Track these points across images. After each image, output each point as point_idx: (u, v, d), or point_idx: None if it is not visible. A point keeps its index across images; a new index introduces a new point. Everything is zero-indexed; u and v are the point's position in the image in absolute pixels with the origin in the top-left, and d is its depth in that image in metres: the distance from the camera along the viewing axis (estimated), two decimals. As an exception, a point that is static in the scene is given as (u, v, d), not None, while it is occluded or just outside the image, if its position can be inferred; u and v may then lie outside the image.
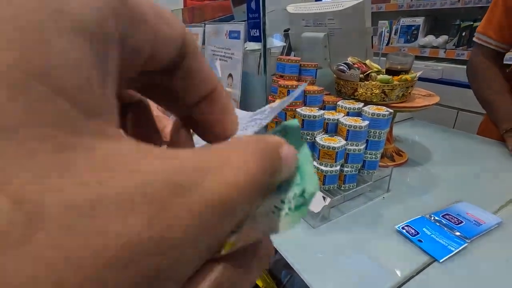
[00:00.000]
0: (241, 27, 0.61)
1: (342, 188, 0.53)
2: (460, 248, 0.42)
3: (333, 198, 0.49)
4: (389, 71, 0.60)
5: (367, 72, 0.58)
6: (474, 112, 1.60)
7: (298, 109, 0.52)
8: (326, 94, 0.64)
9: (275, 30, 1.05)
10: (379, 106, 0.53)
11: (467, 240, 0.43)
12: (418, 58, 1.87)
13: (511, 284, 0.38)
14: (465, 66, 1.54)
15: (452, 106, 1.61)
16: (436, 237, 0.44)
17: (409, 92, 0.58)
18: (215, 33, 0.73)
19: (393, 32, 1.99)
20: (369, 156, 0.53)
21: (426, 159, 0.70)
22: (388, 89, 0.55)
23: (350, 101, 0.57)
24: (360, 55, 0.79)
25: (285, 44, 0.88)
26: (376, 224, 0.49)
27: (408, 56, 0.59)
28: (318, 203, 0.48)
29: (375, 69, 0.60)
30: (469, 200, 0.53)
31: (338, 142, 0.49)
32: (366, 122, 0.50)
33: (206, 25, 0.77)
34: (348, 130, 0.50)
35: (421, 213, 0.50)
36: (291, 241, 0.46)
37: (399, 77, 0.56)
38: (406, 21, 1.88)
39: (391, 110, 0.51)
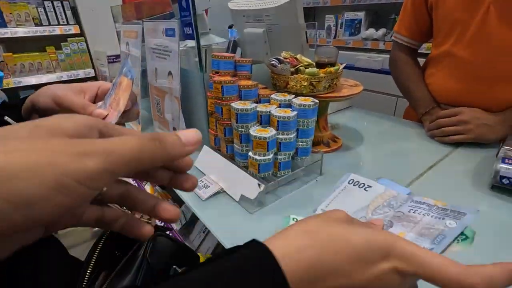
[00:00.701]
0: (175, 25, 0.62)
1: (278, 175, 0.57)
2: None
3: (267, 184, 0.53)
4: (318, 64, 0.65)
5: (297, 66, 0.63)
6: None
7: (232, 104, 0.55)
8: (263, 88, 0.67)
9: (223, 25, 1.06)
10: (307, 97, 0.57)
11: (380, 211, 0.50)
12: (361, 50, 2.00)
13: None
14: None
15: (392, 93, 1.76)
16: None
17: (335, 83, 0.64)
18: (153, 30, 0.73)
19: (338, 25, 2.10)
20: (301, 143, 0.58)
21: (358, 143, 0.78)
22: (315, 81, 0.61)
23: (283, 93, 0.61)
24: (297, 50, 0.84)
25: (227, 39, 0.91)
26: (308, 204, 0.54)
27: (333, 49, 0.65)
28: (253, 189, 0.52)
29: (306, 63, 0.65)
30: (388, 177, 0.60)
31: (269, 132, 0.52)
32: (294, 113, 0.54)
33: (144, 23, 0.77)
34: (278, 120, 0.54)
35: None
36: (229, 228, 0.49)
37: (325, 69, 0.61)
38: (349, 15, 1.99)
39: (317, 101, 0.56)
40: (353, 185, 0.45)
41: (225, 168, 0.60)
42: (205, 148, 0.67)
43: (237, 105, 0.54)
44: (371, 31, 1.92)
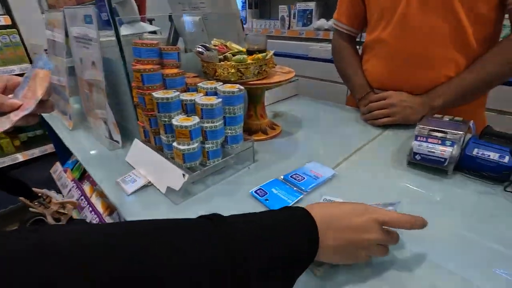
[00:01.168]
0: (91, 11, 0.57)
1: (208, 164, 0.56)
2: (296, 200, 0.49)
3: (191, 174, 0.51)
4: (249, 51, 0.65)
5: (226, 53, 0.62)
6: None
7: (153, 93, 0.53)
8: (194, 77, 0.66)
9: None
10: (233, 84, 0.57)
11: (303, 192, 0.51)
12: (314, 40, 2.04)
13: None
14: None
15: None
16: (281, 194, 0.51)
17: (265, 70, 0.64)
18: (74, 18, 0.67)
19: (291, 16, 2.12)
20: (230, 131, 0.57)
21: (297, 130, 0.79)
22: (243, 68, 0.60)
23: (211, 81, 0.60)
24: (233, 38, 0.83)
25: (156, 28, 0.87)
26: (236, 192, 0.54)
27: (261, 36, 0.65)
28: (178, 180, 0.50)
29: (236, 50, 0.64)
30: (318, 160, 0.62)
31: (192, 121, 0.51)
32: (218, 100, 0.53)
33: (65, 10, 0.71)
34: (201, 108, 0.53)
35: (276, 176, 0.57)
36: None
37: (253, 56, 0.61)
38: (301, 5, 2.02)
39: (242, 87, 0.55)
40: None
41: (154, 160, 0.58)
42: (136, 141, 0.64)
43: (158, 94, 0.52)
44: (322, 21, 1.96)
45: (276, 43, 2.22)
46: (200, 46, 0.60)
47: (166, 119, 0.53)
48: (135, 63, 0.58)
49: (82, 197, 0.98)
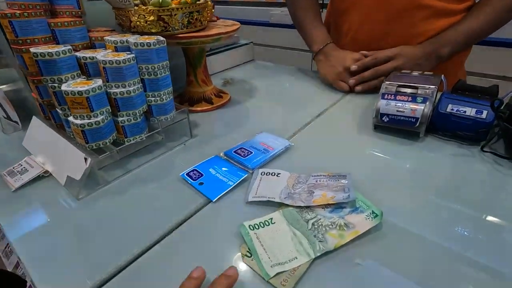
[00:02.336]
0: None
1: (127, 142, 0.43)
2: (239, 180, 0.38)
3: (96, 158, 0.38)
4: (176, -4, 0.50)
5: (142, -4, 0.47)
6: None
7: (32, 49, 0.37)
8: (108, 31, 0.50)
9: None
10: (151, 36, 0.43)
11: (248, 171, 0.41)
12: (275, 4, 1.88)
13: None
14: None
15: (307, 49, 1.71)
16: (220, 175, 0.40)
17: (198, 19, 0.50)
18: None
19: (249, -22, 1.92)
20: (153, 99, 0.44)
21: (249, 97, 0.67)
22: (166, 15, 0.46)
23: (126, 34, 0.45)
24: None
25: None
26: (164, 176, 0.41)
27: (191, -25, 0.50)
28: (79, 166, 0.37)
29: (159, -6, 0.49)
30: (272, 130, 0.51)
31: (90, 85, 0.37)
32: (129, 56, 0.39)
33: None
34: (104, 67, 0.38)
35: (218, 153, 0.45)
36: (39, 225, 0.34)
37: (178, 0, 0.47)
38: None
39: (162, 38, 0.42)
40: (266, 175, 0.39)
41: (53, 143, 0.43)
42: (34, 120, 0.49)
43: (38, 49, 0.37)
44: (283, -17, 1.79)
45: (235, 9, 2.03)
46: (104, -14, 0.45)
47: (56, 85, 0.39)
48: (10, 10, 0.41)
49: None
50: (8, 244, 0.51)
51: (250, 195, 0.36)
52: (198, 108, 0.60)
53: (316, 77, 0.78)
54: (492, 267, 0.27)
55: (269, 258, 0.28)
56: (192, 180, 0.39)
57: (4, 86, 0.56)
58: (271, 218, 0.32)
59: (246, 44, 0.91)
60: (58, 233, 0.33)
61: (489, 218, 0.32)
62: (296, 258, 0.28)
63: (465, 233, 0.31)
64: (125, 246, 0.31)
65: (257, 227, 0.31)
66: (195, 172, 0.40)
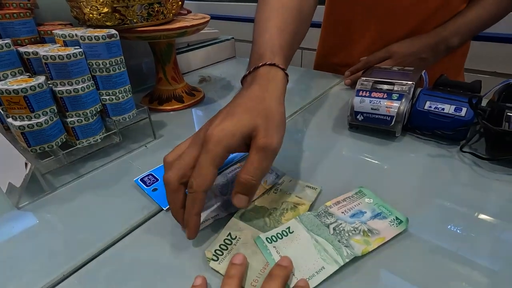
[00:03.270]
0: None
1: (79, 145, 0.40)
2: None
3: (38, 163, 0.35)
4: (137, -13, 0.47)
5: (96, -13, 0.43)
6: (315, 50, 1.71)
7: (-35, 42, 0.34)
8: (63, 24, 0.47)
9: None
10: (101, 29, 0.39)
11: (207, 175, 0.38)
12: None
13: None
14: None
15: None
16: (177, 180, 0.37)
17: (159, 11, 0.46)
18: None
19: (238, -27, 1.88)
20: (107, 97, 0.41)
21: (224, 96, 0.64)
22: (122, 7, 0.42)
23: (78, 28, 0.42)
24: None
25: None
26: (118, 181, 0.38)
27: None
28: (20, 172, 0.34)
29: (118, -15, 0.46)
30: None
31: (29, 82, 0.34)
32: (76, 50, 0.36)
33: None
34: (47, 63, 0.35)
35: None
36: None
37: (137, -10, 0.43)
38: (247, -40, 1.79)
39: (114, 31, 0.38)
40: None
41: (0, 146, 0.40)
42: (-16, 121, 0.45)
43: (-29, 43, 0.34)
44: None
45: (220, 5, 1.99)
46: (53, -25, 0.41)
47: (-9, 82, 0.35)
48: None
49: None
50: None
51: None
52: (168, 107, 0.57)
53: (296, 73, 0.75)
54: (464, 266, 0.24)
55: (293, 275, 0.25)
56: (145, 186, 0.36)
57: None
58: (289, 227, 0.29)
59: (227, 40, 0.88)
60: (-12, 247, 0.30)
61: (464, 222, 0.30)
62: (324, 268, 0.25)
63: (438, 236, 0.28)
64: (57, 261, 0.27)
65: (274, 239, 0.28)
66: (150, 177, 0.37)
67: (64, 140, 0.39)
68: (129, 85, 0.43)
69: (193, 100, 0.59)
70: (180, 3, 0.52)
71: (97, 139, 0.41)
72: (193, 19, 0.53)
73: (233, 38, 0.90)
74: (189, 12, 0.59)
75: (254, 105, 0.30)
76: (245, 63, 0.87)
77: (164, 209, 0.33)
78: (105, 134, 0.42)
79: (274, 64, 0.34)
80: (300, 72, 0.76)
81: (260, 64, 0.34)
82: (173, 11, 0.50)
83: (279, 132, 0.29)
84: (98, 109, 0.40)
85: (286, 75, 0.35)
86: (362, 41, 0.66)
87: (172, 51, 0.56)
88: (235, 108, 0.30)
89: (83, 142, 0.40)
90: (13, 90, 0.32)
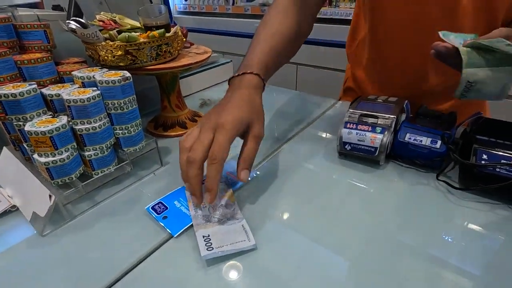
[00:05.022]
0: None
1: (95, 175, 0.44)
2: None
3: (61, 194, 0.39)
4: (146, 28, 0.52)
5: (110, 30, 0.48)
6: (311, 65, 1.77)
7: (-4, 88, 0.38)
8: (77, 62, 0.51)
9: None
10: (118, 71, 0.44)
11: (212, 204, 0.42)
12: (260, 17, 1.91)
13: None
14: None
15: (291, 61, 1.74)
16: (184, 207, 0.41)
17: (167, 51, 0.51)
18: None
19: (234, -10, 1.95)
20: (120, 132, 0.45)
21: (224, 120, 0.69)
22: (134, 49, 0.47)
23: (94, 68, 0.46)
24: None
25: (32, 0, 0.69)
26: (131, 209, 0.42)
27: (161, 7, 0.52)
28: (44, 203, 0.38)
29: (129, 26, 0.51)
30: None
31: (53, 123, 0.38)
32: (95, 93, 0.40)
33: None
34: (69, 106, 0.40)
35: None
36: (4, 264, 0.35)
37: (146, 34, 0.48)
38: (244, -22, 1.86)
39: (128, 75, 0.43)
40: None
41: (21, 176, 0.44)
42: (5, 151, 0.49)
43: (2, 89, 0.38)
44: (267, -4, 1.83)
45: (220, 21, 2.05)
46: (72, 21, 0.46)
47: (21, 123, 0.39)
48: (-25, 47, 0.42)
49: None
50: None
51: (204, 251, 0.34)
52: (172, 133, 0.61)
53: (291, 97, 0.80)
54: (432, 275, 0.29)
55: None
56: (156, 214, 0.40)
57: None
58: None
59: (225, 63, 0.93)
60: (22, 271, 0.34)
61: (431, 249, 0.34)
62: None
63: (411, 258, 0.33)
64: (88, 281, 0.32)
65: None
66: (160, 205, 0.41)
67: (82, 171, 0.43)
68: (140, 119, 0.47)
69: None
70: (184, 39, 0.57)
71: (111, 169, 0.45)
72: (196, 53, 0.58)
73: (231, 61, 0.95)
74: (191, 44, 0.64)
75: (248, 104, 0.40)
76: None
77: (174, 236, 0.37)
78: (117, 166, 0.46)
79: (258, 74, 0.45)
80: (293, 96, 0.82)
81: (248, 71, 0.45)
82: (178, 48, 0.55)
83: (263, 125, 0.41)
84: (112, 143, 0.45)
85: (264, 84, 0.47)
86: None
87: (176, 82, 0.60)
88: (234, 104, 0.40)
89: (98, 173, 0.44)
90: (41, 132, 0.37)
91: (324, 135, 0.60)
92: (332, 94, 0.84)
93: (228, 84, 0.47)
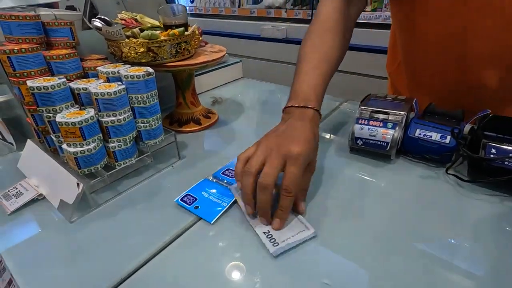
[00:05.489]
0: None
1: (117, 166, 0.46)
2: (232, 201, 0.42)
3: (88, 183, 0.41)
4: (165, 27, 0.54)
5: (132, 28, 0.50)
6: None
7: (28, 82, 0.40)
8: (99, 59, 0.53)
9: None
10: (139, 67, 0.46)
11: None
12: (266, 19, 1.94)
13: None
14: (303, 25, 1.65)
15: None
16: (213, 197, 0.43)
17: (186, 49, 0.53)
18: None
19: (241, -7, 1.98)
20: (142, 125, 0.47)
21: (237, 117, 0.71)
22: (155, 47, 0.49)
23: (117, 64, 0.48)
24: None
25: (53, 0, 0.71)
26: (154, 198, 0.44)
27: (179, 7, 0.54)
28: (72, 191, 0.40)
29: (150, 25, 0.53)
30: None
31: (83, 115, 0.40)
32: (120, 87, 0.42)
33: None
34: (96, 99, 0.42)
35: (207, 174, 0.48)
36: (32, 248, 0.37)
37: (167, 32, 0.50)
38: (250, -19, 1.89)
39: (151, 70, 0.45)
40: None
41: (47, 167, 0.46)
42: (28, 143, 0.51)
43: (34, 82, 0.40)
44: (273, -2, 1.85)
45: (226, 23, 2.08)
46: (97, 19, 0.48)
47: (50, 115, 0.41)
48: (6, 43, 0.44)
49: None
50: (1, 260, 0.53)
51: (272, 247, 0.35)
52: (187, 129, 0.63)
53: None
54: (444, 269, 0.31)
55: None
56: (187, 205, 0.42)
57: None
58: None
59: (235, 62, 0.95)
60: (52, 256, 0.35)
61: (445, 239, 0.36)
62: None
63: (423, 250, 0.34)
64: (118, 265, 0.33)
65: None
66: (188, 197, 0.43)
67: (106, 162, 0.45)
68: (160, 114, 0.49)
69: (209, 122, 0.66)
70: (200, 38, 0.59)
71: (132, 161, 0.47)
72: (211, 51, 0.60)
73: (241, 60, 0.98)
74: (206, 43, 0.66)
75: (313, 140, 0.41)
76: (252, 84, 0.95)
77: (211, 222, 0.39)
78: (139, 158, 0.48)
79: (317, 111, 0.46)
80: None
81: (309, 106, 0.45)
82: (195, 46, 0.57)
83: None
84: (134, 135, 0.47)
85: (320, 115, 0.47)
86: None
87: (192, 79, 0.62)
88: (302, 138, 0.40)
89: (121, 164, 0.46)
90: (71, 122, 0.39)
91: (334, 133, 0.62)
92: (334, 93, 0.85)
93: (284, 111, 0.47)
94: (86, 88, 0.43)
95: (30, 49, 0.42)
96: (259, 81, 0.97)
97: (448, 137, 0.47)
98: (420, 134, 0.49)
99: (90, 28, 0.62)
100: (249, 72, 1.03)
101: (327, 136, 0.61)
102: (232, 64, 0.94)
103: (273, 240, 0.35)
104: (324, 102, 0.76)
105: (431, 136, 0.48)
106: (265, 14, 1.91)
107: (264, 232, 0.36)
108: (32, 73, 0.43)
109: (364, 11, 1.47)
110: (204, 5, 2.20)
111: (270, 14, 1.88)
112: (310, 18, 1.68)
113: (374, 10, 1.46)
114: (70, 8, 1.14)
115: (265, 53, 1.91)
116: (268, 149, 0.39)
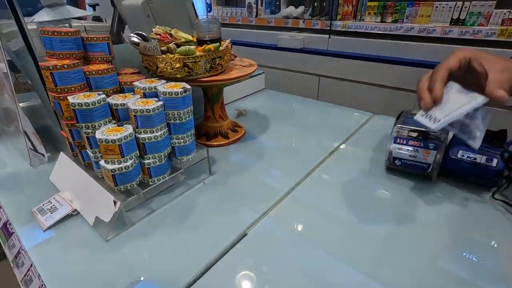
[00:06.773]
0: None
1: (151, 183, 0.45)
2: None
3: (125, 201, 0.40)
4: (199, 41, 0.54)
5: (168, 43, 0.50)
6: (333, 77, 1.78)
7: (70, 98, 0.40)
8: (134, 73, 0.53)
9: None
10: (177, 83, 0.46)
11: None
12: (283, 29, 1.94)
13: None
14: (321, 35, 1.63)
15: (313, 73, 1.75)
16: (241, 218, 0.41)
17: (219, 64, 0.53)
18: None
19: (259, 3, 2.00)
20: (177, 141, 0.47)
21: (264, 130, 0.70)
22: (191, 62, 0.49)
23: (152, 79, 0.48)
24: (186, 25, 0.71)
25: (86, 13, 0.73)
26: (187, 216, 0.43)
27: (214, 22, 0.54)
28: (108, 209, 0.39)
29: (183, 40, 0.53)
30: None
31: (122, 132, 0.40)
32: (158, 104, 0.42)
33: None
34: (135, 115, 0.41)
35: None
36: (69, 268, 0.36)
37: (203, 47, 0.50)
38: (268, -9, 1.90)
39: (188, 87, 0.44)
40: None
41: (82, 182, 0.46)
42: (62, 156, 0.51)
43: (75, 98, 0.40)
44: (291, 8, 1.86)
45: (243, 32, 2.09)
46: (134, 35, 0.48)
47: (89, 131, 0.41)
48: (48, 58, 0.44)
49: None
50: (28, 270, 0.53)
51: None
52: (215, 143, 0.62)
53: (323, 107, 0.80)
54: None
55: None
56: None
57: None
58: None
59: (258, 74, 0.95)
60: (89, 276, 0.35)
61: (494, 268, 0.34)
62: None
63: (468, 280, 0.32)
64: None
65: None
66: (216, 214, 0.42)
67: (141, 179, 0.44)
68: (194, 130, 0.49)
69: (237, 137, 0.65)
70: (231, 52, 0.59)
71: (166, 177, 0.47)
72: (243, 66, 0.60)
73: (263, 72, 0.97)
74: (235, 57, 0.66)
75: None
76: (274, 96, 0.94)
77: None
78: (172, 175, 0.47)
79: None
80: (327, 108, 0.82)
81: None
82: (227, 61, 0.57)
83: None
84: (169, 151, 0.46)
85: None
86: None
87: (221, 93, 0.62)
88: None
89: (154, 181, 0.45)
90: (111, 140, 0.38)
91: (366, 149, 0.60)
92: (361, 107, 0.83)
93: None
94: (124, 104, 0.43)
95: (71, 65, 0.42)
96: (281, 92, 0.96)
97: (495, 160, 0.44)
98: (463, 155, 0.47)
99: (120, 42, 0.62)
100: (266, 82, 1.02)
101: (359, 151, 0.59)
102: (255, 75, 0.94)
103: (433, 118, 0.35)
104: (352, 116, 0.74)
105: (475, 159, 0.46)
106: (282, 24, 1.91)
107: (421, 115, 0.36)
108: (72, 88, 0.43)
109: (384, 22, 1.45)
110: (221, 14, 2.23)
111: (288, 24, 1.89)
112: (328, 28, 1.67)
113: (395, 21, 1.44)
114: (97, 18, 1.16)
115: (283, 63, 1.90)
116: None
